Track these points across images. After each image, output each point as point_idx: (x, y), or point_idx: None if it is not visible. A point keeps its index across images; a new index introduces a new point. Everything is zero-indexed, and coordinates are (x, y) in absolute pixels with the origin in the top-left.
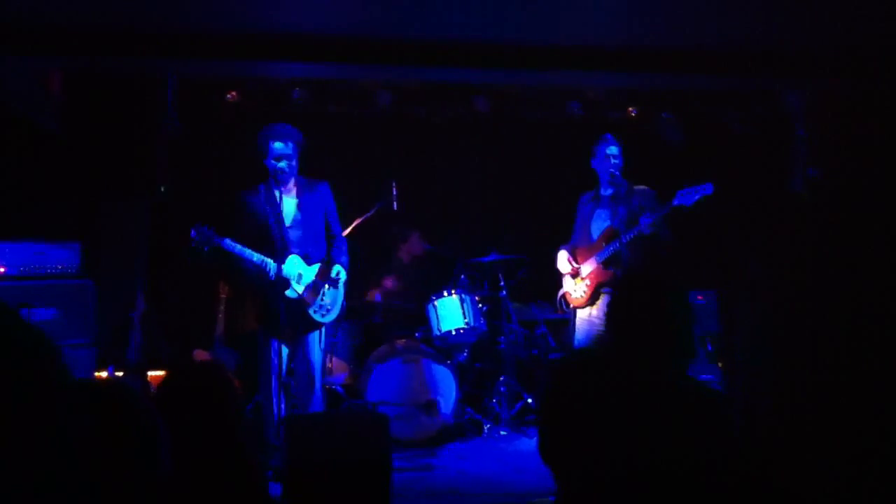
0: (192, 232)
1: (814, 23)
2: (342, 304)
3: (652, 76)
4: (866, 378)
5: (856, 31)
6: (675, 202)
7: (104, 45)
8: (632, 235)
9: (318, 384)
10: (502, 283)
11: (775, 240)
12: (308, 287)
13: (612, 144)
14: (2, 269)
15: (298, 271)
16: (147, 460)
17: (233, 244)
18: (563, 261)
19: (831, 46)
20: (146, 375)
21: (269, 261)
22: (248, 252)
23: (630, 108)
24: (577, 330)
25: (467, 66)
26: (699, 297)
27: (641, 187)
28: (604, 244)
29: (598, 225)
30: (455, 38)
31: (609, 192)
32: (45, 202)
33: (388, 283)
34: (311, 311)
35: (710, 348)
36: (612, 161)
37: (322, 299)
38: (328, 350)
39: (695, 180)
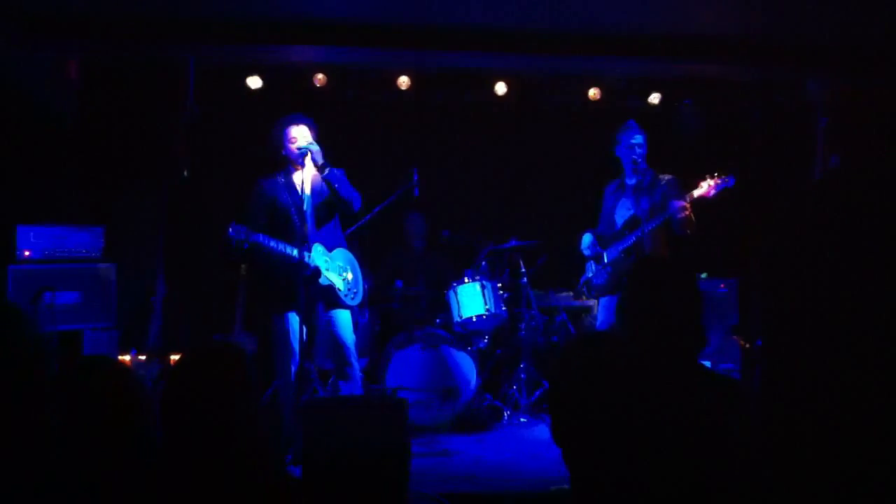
0: (230, 231)
1: (837, 13)
2: (364, 287)
3: (673, 64)
4: (880, 372)
5: (879, 22)
6: (697, 193)
7: (124, 31)
8: (655, 224)
9: (356, 366)
10: (523, 270)
11: (791, 229)
12: (335, 273)
13: (637, 133)
14: (27, 253)
15: (325, 258)
16: (140, 435)
17: (267, 239)
18: (587, 243)
19: (854, 36)
20: (167, 359)
21: (303, 252)
22: (282, 246)
23: (651, 96)
24: (599, 317)
25: (488, 51)
26: (721, 287)
27: (666, 176)
28: (627, 233)
29: (622, 214)
30: (475, 23)
31: (633, 181)
32: (65, 187)
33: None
34: (341, 295)
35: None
36: (637, 150)
37: (348, 283)
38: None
39: (716, 170)
